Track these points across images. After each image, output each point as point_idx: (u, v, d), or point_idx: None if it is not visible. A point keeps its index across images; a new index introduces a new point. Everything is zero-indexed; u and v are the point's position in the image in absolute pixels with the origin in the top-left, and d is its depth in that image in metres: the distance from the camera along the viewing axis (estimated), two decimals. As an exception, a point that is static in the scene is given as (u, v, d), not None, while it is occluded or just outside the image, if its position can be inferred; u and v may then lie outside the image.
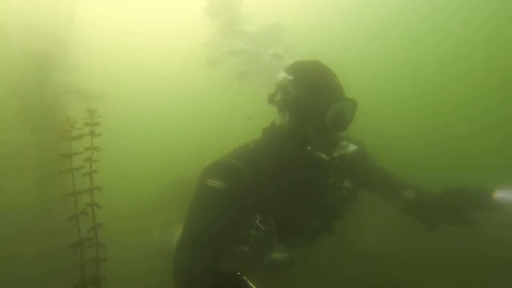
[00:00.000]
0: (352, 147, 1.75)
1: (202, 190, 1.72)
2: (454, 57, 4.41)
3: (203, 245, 1.55)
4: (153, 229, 3.09)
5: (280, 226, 1.83)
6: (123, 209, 3.50)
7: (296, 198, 1.86)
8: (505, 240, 2.41)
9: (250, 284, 1.22)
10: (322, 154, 1.75)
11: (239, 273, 1.25)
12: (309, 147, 1.76)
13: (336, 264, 2.49)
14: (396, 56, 4.61)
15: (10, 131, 3.42)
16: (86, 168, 2.22)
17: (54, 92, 3.62)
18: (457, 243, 2.40)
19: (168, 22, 4.45)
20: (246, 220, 1.80)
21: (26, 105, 3.51)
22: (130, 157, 3.93)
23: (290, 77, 1.77)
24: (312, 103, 1.71)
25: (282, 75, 1.80)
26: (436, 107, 4.27)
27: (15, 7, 3.61)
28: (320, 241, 2.15)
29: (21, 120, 3.48)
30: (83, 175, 2.19)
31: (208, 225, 1.60)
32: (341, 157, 1.75)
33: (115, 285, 2.57)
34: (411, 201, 2.02)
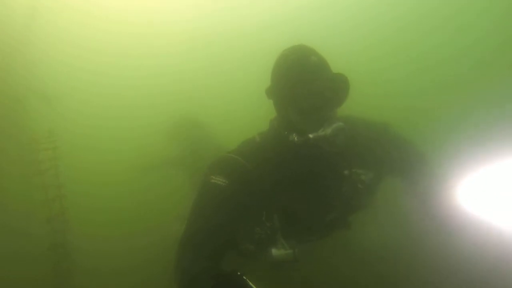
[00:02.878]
0: (334, 125, 1.58)
1: (205, 187, 1.68)
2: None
3: (204, 244, 1.52)
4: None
5: (286, 222, 1.78)
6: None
7: (304, 192, 1.78)
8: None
9: (250, 284, 1.22)
10: (295, 137, 1.64)
11: (239, 273, 1.25)
12: (286, 132, 1.67)
13: (344, 263, 2.35)
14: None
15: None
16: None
17: (12, 86, 3.65)
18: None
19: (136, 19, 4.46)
20: (251, 217, 1.74)
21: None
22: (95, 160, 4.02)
23: (274, 66, 1.74)
24: (287, 85, 1.62)
25: None
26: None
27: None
28: (335, 236, 2.03)
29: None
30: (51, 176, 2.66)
31: (210, 223, 1.56)
32: (320, 138, 1.59)
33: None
34: (418, 194, 1.80)
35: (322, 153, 1.65)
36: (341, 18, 4.62)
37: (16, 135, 3.41)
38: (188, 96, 3.97)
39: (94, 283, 2.84)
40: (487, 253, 1.88)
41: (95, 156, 3.93)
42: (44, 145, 2.78)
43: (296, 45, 1.72)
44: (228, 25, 4.43)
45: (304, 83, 1.58)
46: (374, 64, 4.33)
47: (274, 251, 1.75)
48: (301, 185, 1.76)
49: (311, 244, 1.97)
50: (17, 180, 3.27)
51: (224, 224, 1.58)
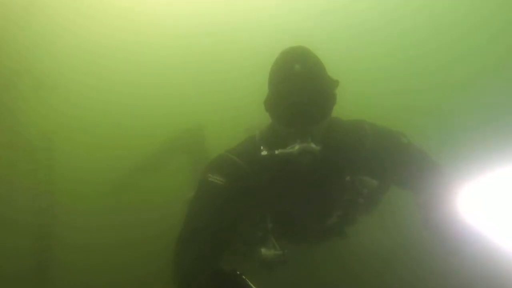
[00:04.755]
0: (302, 145, 1.51)
1: (202, 185, 1.68)
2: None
3: (201, 242, 1.52)
4: None
5: (278, 224, 1.79)
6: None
7: (297, 197, 1.77)
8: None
9: (249, 283, 1.22)
10: (262, 150, 1.62)
11: (238, 272, 1.25)
12: (265, 140, 1.67)
13: (340, 265, 2.35)
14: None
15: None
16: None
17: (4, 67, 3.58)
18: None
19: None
20: (246, 217, 1.76)
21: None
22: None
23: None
24: (269, 94, 1.60)
25: None
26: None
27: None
28: (330, 243, 2.02)
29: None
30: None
31: (207, 221, 1.56)
32: (287, 155, 1.55)
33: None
34: (420, 204, 1.68)
35: (317, 160, 1.59)
36: (342, 17, 4.62)
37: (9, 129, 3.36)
38: (188, 94, 3.98)
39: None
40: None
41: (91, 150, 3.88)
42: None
43: (291, 48, 1.64)
44: (230, 24, 4.39)
45: (280, 94, 1.54)
46: (376, 64, 4.38)
47: (264, 251, 1.77)
48: (294, 189, 1.75)
49: (304, 247, 1.98)
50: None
51: (221, 222, 1.59)
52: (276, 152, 1.57)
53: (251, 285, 1.24)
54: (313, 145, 1.52)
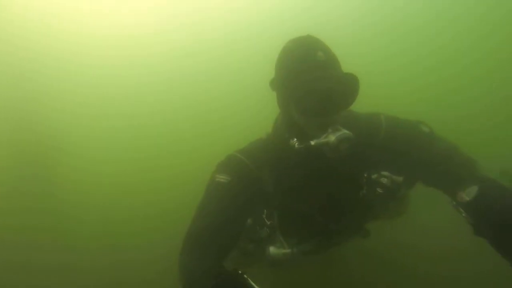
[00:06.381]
0: (338, 134, 1.44)
1: (210, 186, 1.68)
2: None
3: (206, 242, 1.51)
4: None
5: (288, 223, 1.78)
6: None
7: (308, 195, 1.72)
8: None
9: (252, 283, 1.22)
10: (295, 143, 1.55)
11: (240, 272, 1.25)
12: (287, 135, 1.60)
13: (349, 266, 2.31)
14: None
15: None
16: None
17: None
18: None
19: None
20: (252, 215, 1.77)
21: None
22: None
23: (278, 58, 1.61)
24: (290, 83, 1.50)
25: None
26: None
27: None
28: (352, 243, 1.97)
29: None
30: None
31: (212, 219, 1.55)
32: (322, 145, 1.47)
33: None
34: (469, 205, 1.43)
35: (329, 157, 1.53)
36: (348, 14, 4.50)
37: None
38: (192, 99, 3.92)
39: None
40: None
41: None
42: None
43: (303, 37, 1.57)
44: (232, 25, 4.33)
45: (307, 83, 1.46)
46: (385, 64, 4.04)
47: (272, 250, 1.78)
48: (306, 187, 1.69)
49: (318, 246, 1.91)
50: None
51: (226, 221, 1.56)
52: (312, 143, 1.49)
53: (253, 284, 1.23)
54: (348, 132, 1.45)
